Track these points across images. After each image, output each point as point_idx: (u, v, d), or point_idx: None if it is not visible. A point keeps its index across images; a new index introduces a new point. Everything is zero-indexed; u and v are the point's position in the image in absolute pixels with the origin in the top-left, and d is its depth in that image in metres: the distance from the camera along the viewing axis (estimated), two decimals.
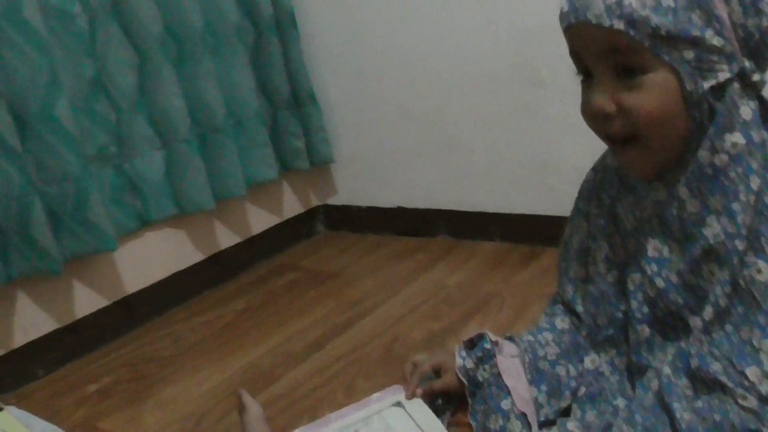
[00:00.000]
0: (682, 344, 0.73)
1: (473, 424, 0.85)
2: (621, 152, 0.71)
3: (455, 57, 1.55)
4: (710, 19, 0.63)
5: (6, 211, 1.24)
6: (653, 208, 0.74)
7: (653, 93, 0.65)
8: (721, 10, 0.63)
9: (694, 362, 0.70)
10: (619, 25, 0.63)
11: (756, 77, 0.66)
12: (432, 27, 1.57)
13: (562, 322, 0.90)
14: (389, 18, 1.63)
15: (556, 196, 1.47)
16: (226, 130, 1.59)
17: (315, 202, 1.96)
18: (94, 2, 1.39)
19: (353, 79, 1.76)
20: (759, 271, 0.65)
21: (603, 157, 0.85)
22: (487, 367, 0.88)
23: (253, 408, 0.97)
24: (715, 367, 0.66)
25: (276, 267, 1.76)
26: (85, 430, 1.14)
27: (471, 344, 0.91)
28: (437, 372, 0.91)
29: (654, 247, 0.74)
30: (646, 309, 0.77)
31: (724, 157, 0.66)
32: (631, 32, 0.63)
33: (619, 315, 0.82)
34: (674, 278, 0.73)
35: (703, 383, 0.68)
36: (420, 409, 0.80)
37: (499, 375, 0.86)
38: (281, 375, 1.21)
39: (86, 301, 1.43)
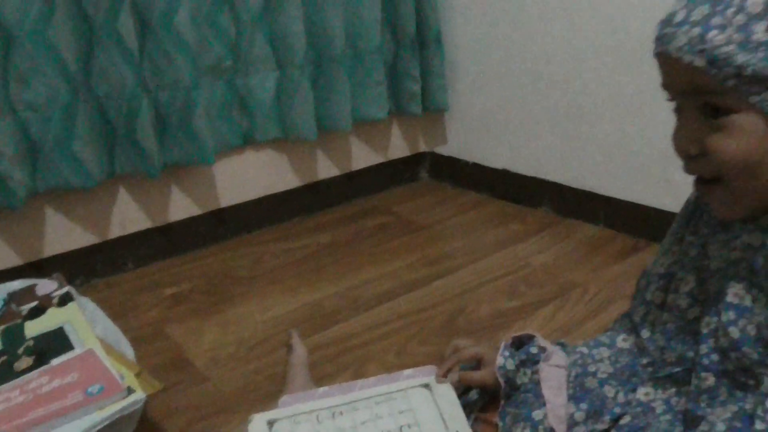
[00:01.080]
0: (747, 405, 0.65)
1: (500, 424, 0.81)
2: (704, 192, 0.65)
3: (597, 22, 1.42)
4: None
5: (117, 111, 1.30)
6: (743, 251, 0.65)
7: (738, 136, 0.58)
8: None
9: (760, 426, 0.62)
10: (700, 62, 0.56)
11: None
12: None
13: (624, 342, 0.82)
14: None
15: (673, 191, 1.35)
16: (343, 61, 1.56)
17: (423, 147, 1.91)
18: None
19: (485, 27, 1.66)
20: None
21: None
22: (528, 371, 0.83)
23: (300, 350, 0.98)
24: None
25: (370, 207, 1.75)
26: (152, 331, 1.20)
27: (518, 343, 0.86)
28: (477, 363, 0.87)
29: (735, 293, 0.65)
30: (715, 357, 0.68)
31: None
32: (713, 71, 0.56)
33: (690, 355, 0.74)
34: (752, 330, 0.64)
35: None
36: (446, 396, 0.77)
37: (538, 383, 0.81)
38: (341, 320, 1.21)
39: (181, 206, 1.49)
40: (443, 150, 1.89)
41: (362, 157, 1.78)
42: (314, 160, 1.68)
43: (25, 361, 0.86)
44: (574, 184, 1.59)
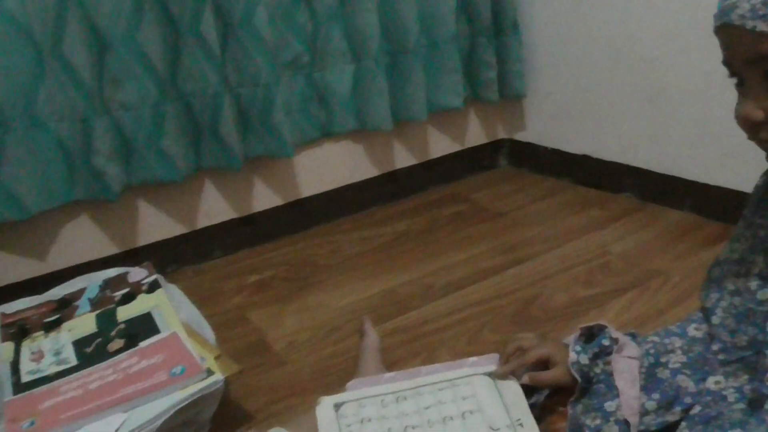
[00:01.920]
0: None
1: (570, 412, 0.81)
2: None
3: (682, 0, 1.37)
4: None
5: (202, 108, 1.37)
6: None
7: None
8: None
9: None
10: (763, 26, 0.58)
11: None
12: None
13: (696, 330, 0.80)
14: None
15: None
16: (418, 52, 1.57)
17: (501, 134, 1.90)
18: None
19: (565, 10, 1.63)
20: None
21: None
22: (601, 363, 0.82)
23: (372, 336, 1.01)
24: None
25: (448, 195, 1.76)
26: (235, 316, 1.27)
27: (588, 334, 0.85)
28: (543, 363, 0.86)
29: None
30: None
31: None
32: None
33: (762, 338, 0.72)
34: None
35: None
36: (509, 384, 0.78)
37: (611, 374, 0.80)
38: (415, 307, 1.24)
39: (264, 197, 1.55)
40: (522, 136, 1.87)
41: (440, 145, 1.79)
42: (391, 150, 1.71)
43: (117, 343, 0.94)
44: (659, 169, 1.53)
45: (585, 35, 1.60)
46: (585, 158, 1.70)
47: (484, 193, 1.76)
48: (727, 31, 0.62)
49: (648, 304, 1.15)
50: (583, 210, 1.58)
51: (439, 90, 1.65)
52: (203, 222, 1.49)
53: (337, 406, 0.77)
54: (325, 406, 0.77)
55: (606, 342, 0.82)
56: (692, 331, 0.80)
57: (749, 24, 0.59)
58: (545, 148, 1.80)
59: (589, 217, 1.54)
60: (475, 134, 1.84)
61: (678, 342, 0.80)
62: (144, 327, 0.96)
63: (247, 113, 1.42)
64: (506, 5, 1.66)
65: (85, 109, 1.25)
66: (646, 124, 1.53)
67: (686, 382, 0.78)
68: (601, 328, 0.84)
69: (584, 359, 0.82)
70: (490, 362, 0.82)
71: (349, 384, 0.80)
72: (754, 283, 0.73)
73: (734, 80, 0.65)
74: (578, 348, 0.82)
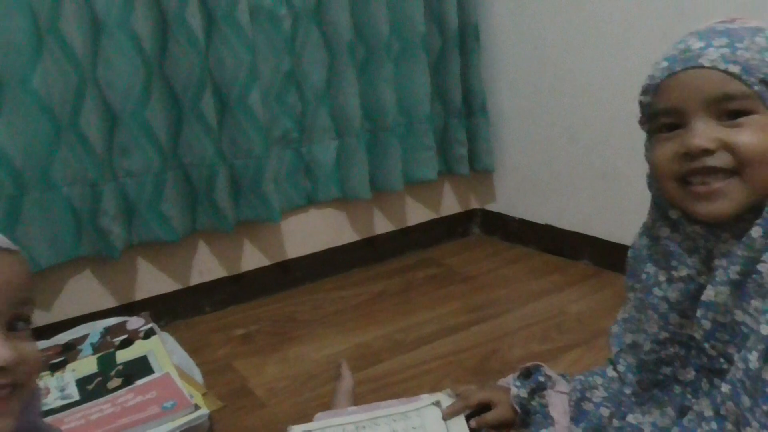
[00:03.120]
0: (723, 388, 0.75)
1: None
2: (709, 193, 0.73)
3: (626, 91, 1.54)
4: None
5: (199, 176, 1.53)
6: (720, 258, 0.75)
7: (758, 131, 0.70)
8: None
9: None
10: (735, 69, 0.69)
11: None
12: (609, 59, 1.58)
13: (613, 372, 0.94)
14: (569, 44, 1.67)
15: None
16: (395, 130, 1.75)
17: (474, 205, 2.06)
18: (299, 6, 1.62)
19: (527, 96, 1.82)
20: None
21: (641, 235, 0.89)
22: (537, 397, 0.95)
23: (347, 378, 1.13)
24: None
25: (423, 259, 1.91)
26: (222, 366, 1.39)
27: (527, 373, 0.99)
28: (485, 406, 0.99)
29: (713, 295, 0.75)
30: (693, 353, 0.80)
31: None
32: (744, 77, 0.69)
33: (661, 378, 0.85)
34: (721, 319, 0.75)
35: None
36: (456, 418, 0.90)
37: (546, 406, 0.93)
38: (385, 359, 1.36)
39: (252, 258, 1.69)
40: (493, 207, 2.03)
41: (416, 213, 1.95)
42: (371, 217, 1.87)
43: (116, 382, 1.07)
44: (612, 239, 1.69)
45: (546, 118, 1.78)
46: (548, 228, 1.85)
47: (457, 259, 1.90)
48: (691, 74, 0.71)
49: (594, 358, 1.28)
50: (545, 275, 1.72)
51: (415, 164, 1.82)
52: (196, 279, 1.63)
53: None
54: None
55: (541, 378, 0.96)
56: (610, 372, 0.94)
57: (722, 65, 0.69)
58: (513, 218, 1.96)
59: (549, 282, 1.68)
60: (449, 204, 2.01)
61: (599, 380, 0.94)
62: (140, 368, 1.09)
63: (239, 182, 1.58)
64: (476, 91, 1.86)
65: (95, 175, 1.40)
66: (600, 197, 1.69)
67: (607, 413, 0.92)
68: (537, 367, 0.98)
69: (523, 393, 0.95)
70: (437, 397, 0.95)
71: (317, 415, 0.92)
72: (641, 337, 0.88)
73: (659, 133, 0.76)
74: (518, 383, 0.96)
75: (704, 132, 0.71)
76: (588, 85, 1.65)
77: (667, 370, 0.86)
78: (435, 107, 1.84)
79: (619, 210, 1.66)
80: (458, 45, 1.82)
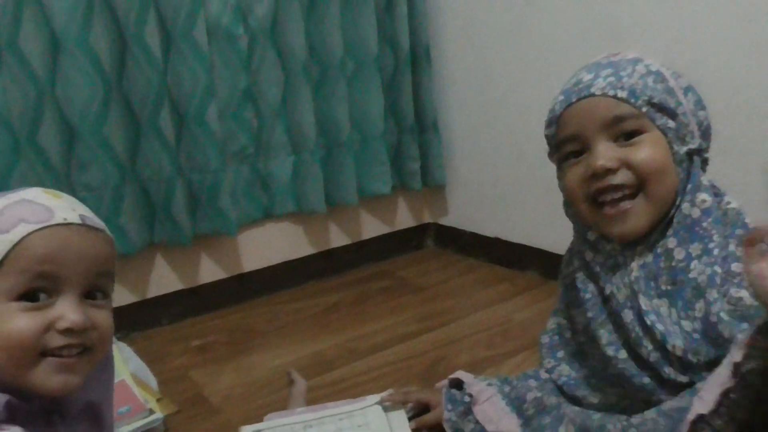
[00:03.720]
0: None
1: None
2: (618, 214, 0.79)
3: None
4: (678, 103, 0.79)
5: (156, 191, 1.57)
6: (639, 271, 0.82)
7: (653, 147, 0.78)
8: (683, 100, 0.80)
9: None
10: (623, 93, 0.78)
11: (707, 155, 0.82)
12: (551, 79, 1.65)
13: (546, 374, 1.00)
14: (514, 64, 1.75)
15: None
16: (350, 146, 1.81)
17: (428, 218, 2.13)
18: (256, 26, 1.67)
19: (476, 114, 1.91)
20: (739, 296, 0.75)
21: (571, 258, 0.95)
22: (471, 417, 1.00)
23: (299, 382, 1.18)
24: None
25: (377, 272, 1.97)
26: (178, 375, 1.42)
27: (458, 385, 1.05)
28: (425, 408, 1.05)
29: (646, 305, 0.82)
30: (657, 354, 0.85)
31: (697, 211, 0.79)
32: (632, 99, 0.78)
33: (647, 381, 0.90)
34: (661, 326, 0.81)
35: None
36: (397, 413, 0.96)
37: (480, 422, 0.99)
38: (338, 366, 1.41)
39: (209, 270, 1.73)
40: (445, 221, 2.11)
41: (371, 227, 2.01)
42: (327, 231, 1.92)
43: None
44: (558, 250, 1.75)
45: (493, 135, 1.87)
46: (497, 240, 1.93)
47: (410, 271, 1.97)
48: (586, 102, 0.79)
49: (535, 363, 1.34)
50: (494, 285, 1.80)
51: (369, 179, 1.89)
52: (153, 292, 1.66)
53: None
54: None
55: (467, 399, 1.01)
56: (543, 374, 1.01)
57: (611, 92, 0.78)
58: (465, 231, 2.04)
59: (497, 292, 1.75)
60: (404, 218, 2.07)
61: (534, 383, 1.01)
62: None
63: (196, 196, 1.62)
64: (427, 109, 1.93)
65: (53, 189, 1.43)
66: (545, 211, 1.77)
67: (548, 398, 0.98)
68: (461, 384, 1.04)
69: (455, 417, 1.00)
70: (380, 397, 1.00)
71: (267, 416, 0.97)
72: (585, 357, 0.95)
73: (567, 160, 0.84)
74: (450, 407, 1.01)
75: (605, 153, 0.79)
76: (532, 104, 1.73)
77: (612, 390, 0.90)
78: (388, 124, 1.91)
79: (563, 223, 1.72)
80: (410, 65, 1.89)
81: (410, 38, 1.87)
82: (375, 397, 1.00)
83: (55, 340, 0.61)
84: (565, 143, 0.83)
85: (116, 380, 1.09)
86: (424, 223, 2.13)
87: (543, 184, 1.75)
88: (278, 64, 1.72)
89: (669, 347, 0.78)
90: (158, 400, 1.06)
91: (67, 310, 0.62)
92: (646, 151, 0.78)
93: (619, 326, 0.88)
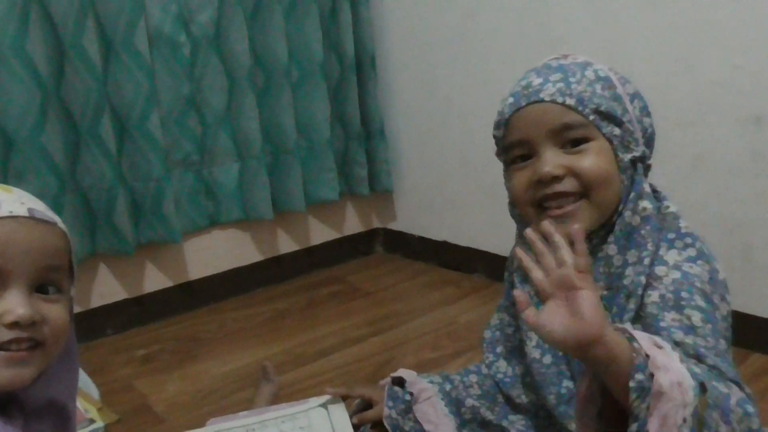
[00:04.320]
0: None
1: None
2: (564, 216, 0.80)
3: None
4: (625, 110, 0.80)
5: (97, 199, 1.54)
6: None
7: (597, 156, 0.79)
8: (629, 107, 0.81)
9: None
10: (571, 101, 0.78)
11: (649, 162, 0.83)
12: (493, 86, 1.70)
13: (486, 369, 1.03)
14: (457, 72, 1.79)
15: None
16: (296, 153, 1.82)
17: (376, 224, 2.15)
18: (198, 34, 1.67)
19: (421, 121, 1.94)
20: (649, 296, 0.77)
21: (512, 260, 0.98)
22: (411, 415, 1.02)
23: (273, 382, 1.18)
24: None
25: (326, 277, 1.97)
26: (122, 386, 1.40)
27: (400, 382, 1.06)
28: (368, 403, 1.06)
29: None
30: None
31: (638, 218, 0.80)
32: (580, 107, 0.78)
33: (564, 392, 0.93)
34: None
35: None
36: (339, 415, 0.97)
37: (418, 421, 1.00)
38: (287, 371, 1.40)
39: (154, 279, 1.71)
40: (394, 226, 2.13)
41: (320, 233, 2.01)
42: (275, 237, 1.92)
43: None
44: (503, 252, 1.79)
45: (438, 141, 1.90)
46: (445, 244, 1.96)
47: (360, 276, 1.98)
48: (534, 108, 0.79)
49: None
50: (441, 288, 1.82)
51: (316, 185, 1.89)
52: (96, 302, 1.63)
53: None
54: None
55: (407, 397, 1.03)
56: (484, 369, 1.03)
57: (560, 99, 0.78)
58: (413, 236, 2.06)
59: (444, 294, 1.78)
60: (352, 224, 2.09)
61: (474, 378, 1.03)
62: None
63: (139, 204, 1.60)
64: (373, 116, 1.95)
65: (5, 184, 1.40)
66: (490, 215, 1.81)
67: (485, 411, 1.00)
68: (403, 381, 1.05)
69: (395, 414, 1.02)
70: (324, 400, 1.01)
71: (209, 421, 0.97)
72: (520, 358, 0.97)
73: (512, 164, 0.85)
74: (390, 404, 1.02)
75: (551, 160, 0.79)
76: (475, 111, 1.77)
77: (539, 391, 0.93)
78: (335, 131, 1.93)
79: (509, 226, 1.75)
80: (356, 72, 1.91)
81: (355, 45, 1.89)
82: (318, 400, 1.00)
83: (3, 334, 0.61)
84: (513, 147, 0.84)
85: None
86: (373, 228, 2.15)
87: (488, 188, 1.79)
88: (222, 71, 1.71)
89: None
90: (99, 410, 1.05)
91: (13, 304, 0.61)
92: (592, 159, 0.78)
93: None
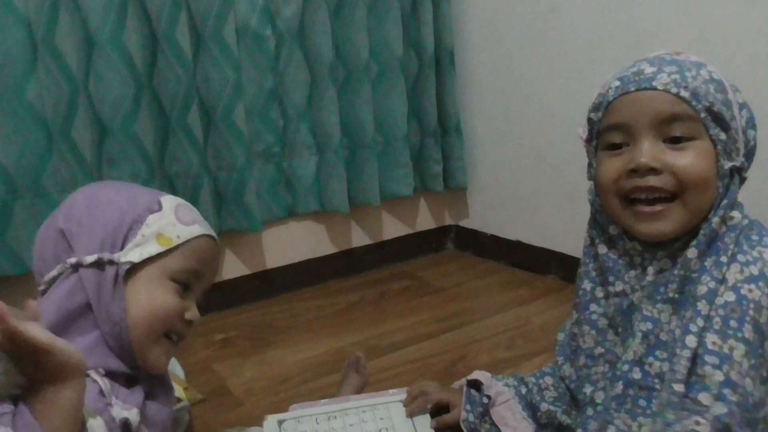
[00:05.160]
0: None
1: None
2: (651, 214, 0.79)
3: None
4: (732, 118, 0.77)
5: (183, 187, 1.60)
6: (654, 276, 0.82)
7: (699, 156, 0.76)
8: (737, 115, 0.78)
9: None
10: (685, 94, 0.75)
11: (745, 174, 0.80)
12: (572, 85, 1.68)
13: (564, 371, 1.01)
14: (537, 69, 1.77)
15: None
16: (373, 148, 1.84)
17: (449, 221, 2.15)
18: (283, 28, 1.70)
19: (498, 118, 1.92)
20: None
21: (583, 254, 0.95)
22: (488, 418, 1.01)
23: (363, 375, 1.19)
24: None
25: (397, 272, 1.99)
26: (202, 368, 1.45)
27: (476, 385, 1.06)
28: (445, 406, 1.06)
29: (647, 310, 0.82)
30: (626, 367, 0.86)
31: (723, 227, 0.78)
32: (693, 102, 0.76)
33: (580, 397, 0.93)
34: (664, 336, 0.81)
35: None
36: (423, 418, 0.97)
37: (495, 424, 1.00)
38: None
39: (234, 266, 1.76)
40: (466, 223, 2.12)
41: (393, 228, 2.03)
42: (349, 231, 1.94)
43: None
44: (577, 254, 1.76)
45: (515, 140, 1.88)
46: (518, 244, 1.94)
47: (430, 272, 1.98)
48: (645, 94, 0.76)
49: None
50: (513, 288, 1.81)
51: (391, 180, 1.91)
52: None
53: (280, 422, 0.96)
54: (270, 422, 0.96)
55: (485, 400, 1.02)
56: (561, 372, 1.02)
57: (673, 89, 0.75)
58: (485, 234, 2.05)
59: (517, 295, 1.76)
60: (425, 220, 2.09)
61: (550, 380, 1.02)
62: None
63: (222, 193, 1.65)
64: (450, 112, 1.95)
65: (84, 184, 1.47)
66: (566, 215, 1.79)
67: (560, 415, 0.99)
68: (480, 385, 1.04)
69: (472, 418, 1.01)
70: (404, 393, 1.02)
71: (291, 407, 0.99)
72: (576, 352, 0.95)
73: (604, 148, 0.83)
74: (468, 407, 1.01)
75: (651, 151, 0.76)
76: (554, 109, 1.75)
77: (588, 389, 0.91)
78: (411, 127, 1.94)
79: (583, 227, 1.74)
80: (434, 69, 1.92)
81: (434, 42, 1.90)
82: (397, 391, 1.01)
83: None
84: (610, 131, 0.81)
85: None
86: (445, 225, 2.15)
87: (564, 188, 1.77)
88: (304, 66, 1.75)
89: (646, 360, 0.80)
90: (185, 389, 1.09)
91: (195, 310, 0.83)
92: (694, 158, 0.76)
93: (616, 327, 0.89)
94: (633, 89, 0.78)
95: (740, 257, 0.76)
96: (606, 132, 0.82)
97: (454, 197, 2.11)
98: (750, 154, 0.81)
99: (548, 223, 1.85)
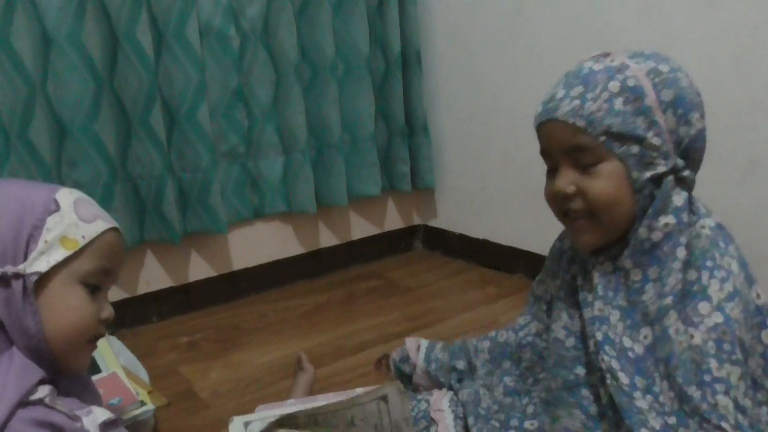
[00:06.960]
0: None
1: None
2: (575, 228, 0.84)
3: None
4: (651, 124, 0.77)
5: (147, 188, 1.57)
6: (599, 279, 0.84)
7: (607, 179, 0.79)
8: (660, 118, 0.77)
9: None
10: (581, 123, 0.77)
11: (686, 173, 0.80)
12: (539, 85, 1.68)
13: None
14: (504, 69, 1.78)
15: None
16: (340, 147, 1.83)
17: (417, 221, 2.15)
18: (247, 27, 1.69)
19: (465, 118, 1.93)
20: (692, 337, 0.76)
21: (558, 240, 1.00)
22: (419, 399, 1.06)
23: (308, 371, 1.20)
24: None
25: (365, 272, 1.98)
26: (167, 371, 1.43)
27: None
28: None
29: (599, 310, 0.84)
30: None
31: (659, 234, 0.79)
32: (590, 129, 0.77)
33: (572, 378, 0.93)
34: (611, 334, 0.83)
35: None
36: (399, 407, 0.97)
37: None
38: (327, 363, 1.42)
39: (199, 268, 1.74)
40: (434, 223, 2.13)
41: (360, 228, 2.02)
42: (316, 231, 1.93)
43: None
44: (545, 253, 1.78)
45: (482, 139, 1.89)
46: (486, 243, 1.95)
47: (399, 272, 1.98)
48: (551, 125, 0.80)
49: None
50: (481, 287, 1.82)
51: (359, 180, 1.90)
52: (143, 289, 1.66)
53: (246, 424, 0.94)
54: (236, 423, 0.94)
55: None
56: (500, 337, 1.10)
57: (571, 120, 0.77)
58: (453, 234, 2.06)
59: (485, 293, 1.77)
60: (393, 220, 2.09)
61: (486, 344, 1.14)
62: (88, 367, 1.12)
63: (187, 194, 1.63)
64: (417, 112, 1.96)
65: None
66: (533, 215, 1.80)
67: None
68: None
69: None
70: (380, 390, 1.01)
71: (258, 408, 0.98)
72: (561, 333, 0.95)
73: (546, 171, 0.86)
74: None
75: (563, 178, 0.81)
76: (520, 109, 1.76)
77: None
78: (379, 126, 1.93)
79: (551, 226, 1.75)
80: (401, 68, 1.92)
81: (401, 42, 1.90)
82: (364, 390, 1.00)
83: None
84: (543, 156, 0.86)
85: (107, 373, 1.11)
86: (413, 224, 2.15)
87: (531, 187, 1.78)
88: (269, 65, 1.73)
89: (600, 358, 0.82)
90: (149, 393, 1.07)
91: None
92: (599, 182, 0.79)
93: (574, 318, 0.91)
94: (544, 119, 0.82)
95: (717, 273, 0.77)
96: (542, 155, 0.87)
97: (422, 197, 2.11)
98: (688, 152, 0.80)
99: (515, 223, 1.86)
